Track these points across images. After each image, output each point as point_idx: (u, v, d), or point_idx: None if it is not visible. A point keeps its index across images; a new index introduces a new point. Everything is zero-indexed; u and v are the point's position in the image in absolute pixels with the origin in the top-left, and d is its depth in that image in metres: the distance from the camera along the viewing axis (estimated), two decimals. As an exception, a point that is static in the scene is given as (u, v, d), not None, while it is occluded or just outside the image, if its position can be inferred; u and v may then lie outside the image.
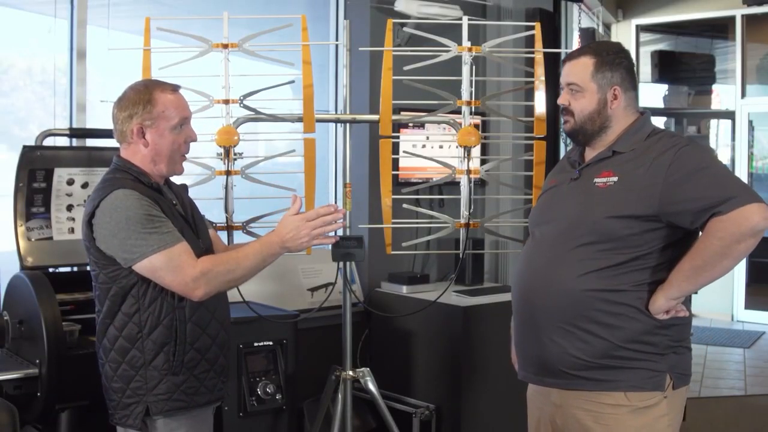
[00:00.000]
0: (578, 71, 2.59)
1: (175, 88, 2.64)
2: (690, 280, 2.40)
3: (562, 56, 6.16)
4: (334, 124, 4.78)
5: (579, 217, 2.51)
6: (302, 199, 2.69)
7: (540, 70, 3.55)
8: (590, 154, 2.63)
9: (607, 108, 2.57)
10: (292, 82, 3.41)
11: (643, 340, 2.44)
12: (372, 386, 3.73)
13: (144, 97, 2.55)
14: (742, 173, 8.94)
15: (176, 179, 2.78)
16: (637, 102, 2.64)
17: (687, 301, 2.52)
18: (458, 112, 3.50)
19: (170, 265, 2.45)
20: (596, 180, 2.51)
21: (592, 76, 2.57)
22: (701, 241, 2.37)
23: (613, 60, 2.57)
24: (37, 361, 2.99)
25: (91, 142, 3.80)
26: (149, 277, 2.49)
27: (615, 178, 2.48)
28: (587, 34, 7.08)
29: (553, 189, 2.71)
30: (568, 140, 7.35)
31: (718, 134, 9.66)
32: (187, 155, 2.69)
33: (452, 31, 3.65)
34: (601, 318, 2.46)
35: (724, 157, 9.37)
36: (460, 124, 3.50)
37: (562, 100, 2.63)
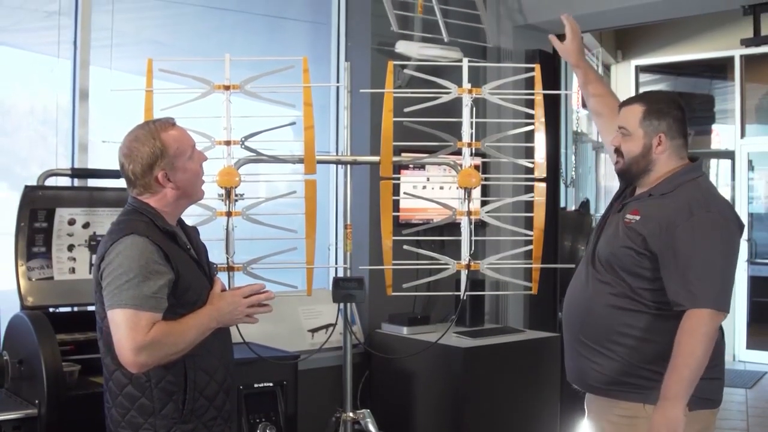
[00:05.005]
0: (629, 116, 2.86)
1: (173, 123, 2.66)
2: (685, 371, 2.60)
3: (562, 98, 6.18)
4: (335, 165, 4.78)
5: (605, 246, 2.85)
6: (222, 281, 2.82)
7: (540, 112, 3.56)
8: (638, 190, 2.93)
9: (651, 153, 2.84)
10: (293, 123, 3.42)
11: (660, 363, 2.65)
12: (372, 428, 3.70)
13: (156, 144, 2.56)
14: (741, 213, 8.92)
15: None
16: (685, 149, 2.88)
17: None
18: (459, 153, 3.51)
19: (128, 324, 2.39)
20: (627, 216, 2.82)
21: (640, 123, 2.84)
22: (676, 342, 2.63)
23: (661, 109, 2.84)
24: (37, 401, 2.97)
25: (92, 183, 3.81)
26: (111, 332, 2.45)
27: (638, 217, 2.78)
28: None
29: (604, 216, 3.03)
30: (569, 181, 7.37)
31: (718, 174, 9.67)
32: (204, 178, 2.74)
33: (453, 73, 3.67)
34: (619, 339, 2.76)
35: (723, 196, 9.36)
36: (461, 166, 3.50)
37: (614, 142, 2.92)
